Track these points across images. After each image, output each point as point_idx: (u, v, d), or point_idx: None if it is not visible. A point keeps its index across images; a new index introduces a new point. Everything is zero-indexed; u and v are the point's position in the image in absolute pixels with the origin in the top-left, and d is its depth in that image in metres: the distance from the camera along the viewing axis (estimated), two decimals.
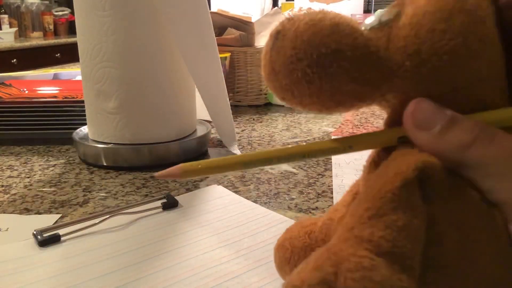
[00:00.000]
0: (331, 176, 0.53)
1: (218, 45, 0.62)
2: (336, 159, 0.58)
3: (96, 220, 0.39)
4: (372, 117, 0.83)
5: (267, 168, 0.56)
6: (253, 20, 0.94)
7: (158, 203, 0.43)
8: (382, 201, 0.18)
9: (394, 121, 0.21)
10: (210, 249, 0.35)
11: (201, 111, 0.67)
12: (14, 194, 0.48)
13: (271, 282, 0.31)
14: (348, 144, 0.22)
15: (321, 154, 0.22)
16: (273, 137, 0.71)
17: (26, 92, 0.82)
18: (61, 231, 0.37)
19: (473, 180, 0.19)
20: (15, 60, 3.03)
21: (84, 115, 0.60)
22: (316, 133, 0.73)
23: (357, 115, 0.85)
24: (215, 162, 0.22)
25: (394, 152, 0.21)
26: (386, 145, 0.22)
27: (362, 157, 0.59)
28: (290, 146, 0.22)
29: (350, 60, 0.19)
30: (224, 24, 0.92)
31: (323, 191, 0.49)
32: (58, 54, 3.39)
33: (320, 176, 0.53)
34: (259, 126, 0.78)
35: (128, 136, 0.56)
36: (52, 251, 0.35)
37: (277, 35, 0.20)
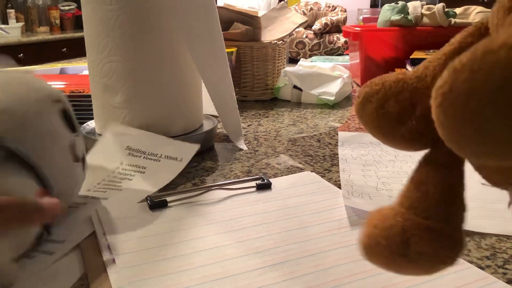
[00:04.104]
0: (338, 172, 0.53)
1: (225, 39, 0.62)
2: (343, 154, 0.58)
3: (197, 192, 0.46)
4: None
5: (273, 163, 0.56)
6: (259, 15, 0.94)
7: (253, 183, 0.47)
8: None
9: None
10: (286, 230, 0.38)
11: (208, 106, 0.67)
12: None
13: (351, 263, 0.31)
14: None
15: None
16: (279, 132, 0.71)
17: None
18: (168, 198, 0.44)
19: None
20: (21, 54, 3.04)
21: (91, 110, 0.60)
22: (323, 128, 0.72)
23: None
24: None
25: None
26: None
27: (369, 152, 0.59)
28: None
29: None
30: (231, 19, 0.91)
31: None
32: (65, 49, 3.40)
33: (326, 171, 0.53)
34: (265, 121, 0.78)
35: None
36: (160, 214, 0.42)
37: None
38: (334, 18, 1.48)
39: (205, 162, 0.57)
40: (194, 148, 0.52)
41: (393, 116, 0.21)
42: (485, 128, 0.16)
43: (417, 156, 0.60)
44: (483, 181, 0.22)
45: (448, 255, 0.20)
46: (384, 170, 0.52)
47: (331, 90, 0.89)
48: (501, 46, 0.15)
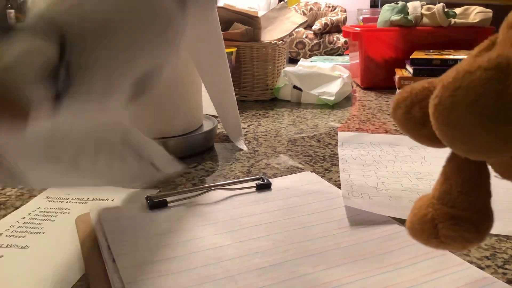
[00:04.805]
0: (338, 172, 0.53)
1: (224, 39, 0.62)
2: (343, 154, 0.58)
3: (197, 192, 0.45)
4: (379, 113, 0.83)
5: (273, 163, 0.56)
6: (259, 15, 0.94)
7: (253, 183, 0.47)
8: None
9: None
10: (286, 230, 0.38)
11: (208, 106, 0.67)
12: (22, 188, 0.49)
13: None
14: None
15: None
16: (279, 132, 0.71)
17: None
18: (168, 199, 0.43)
19: None
20: None
21: None
22: (323, 128, 0.72)
23: (364, 111, 0.85)
24: None
25: None
26: None
27: (369, 153, 0.59)
28: None
29: None
30: (230, 19, 0.91)
31: None
32: None
33: (326, 171, 0.53)
34: (265, 121, 0.78)
35: None
36: (160, 214, 0.41)
37: None
38: (334, 18, 1.48)
39: (205, 162, 0.57)
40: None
41: (418, 120, 0.25)
42: (465, 132, 0.20)
43: (417, 156, 0.60)
44: (496, 173, 0.25)
45: (472, 237, 0.24)
46: (384, 170, 0.52)
47: (331, 90, 0.89)
48: (477, 68, 0.19)
